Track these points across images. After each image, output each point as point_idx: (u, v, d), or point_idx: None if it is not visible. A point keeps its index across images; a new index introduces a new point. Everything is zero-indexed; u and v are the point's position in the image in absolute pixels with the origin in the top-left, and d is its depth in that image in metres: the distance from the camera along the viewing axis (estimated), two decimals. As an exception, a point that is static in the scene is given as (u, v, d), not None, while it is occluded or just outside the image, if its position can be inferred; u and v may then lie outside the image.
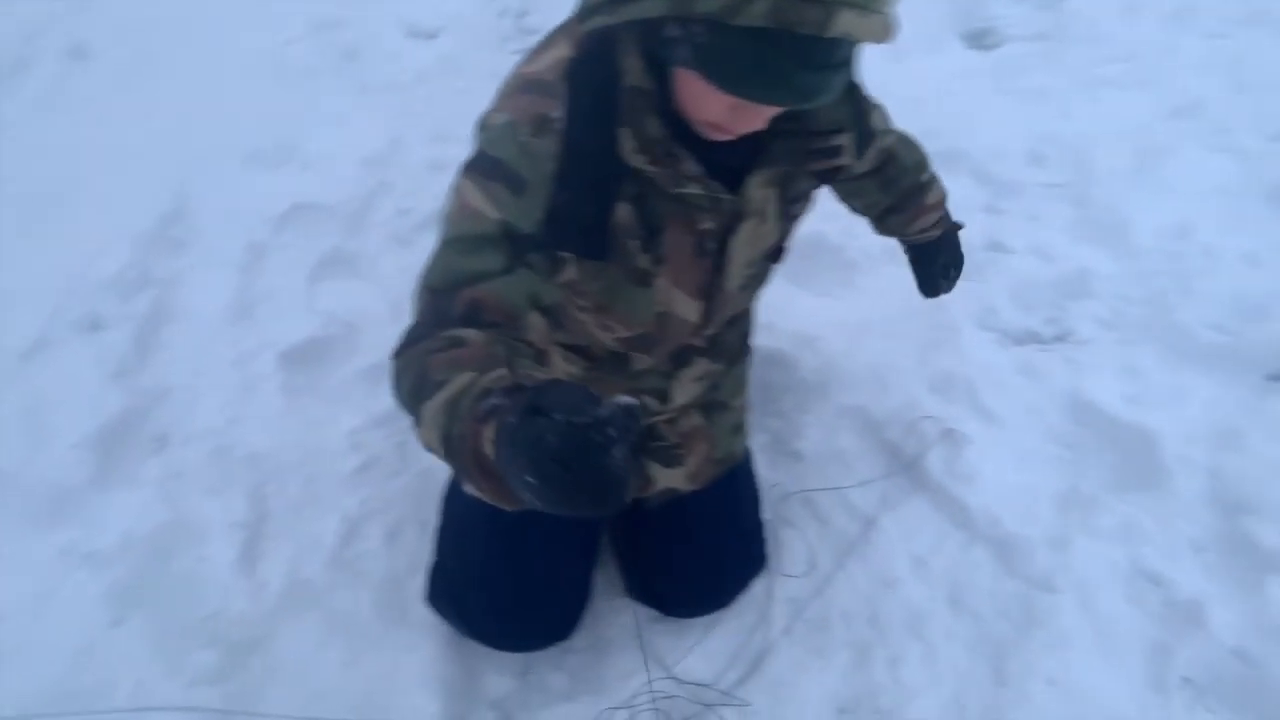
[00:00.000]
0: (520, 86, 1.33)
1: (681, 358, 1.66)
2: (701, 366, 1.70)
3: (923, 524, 2.08)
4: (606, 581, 1.98)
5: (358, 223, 2.55)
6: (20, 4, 3.24)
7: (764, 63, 1.11)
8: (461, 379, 1.09)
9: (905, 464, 2.14)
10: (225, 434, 2.15)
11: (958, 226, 2.06)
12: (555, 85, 1.29)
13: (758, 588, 1.96)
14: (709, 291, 1.52)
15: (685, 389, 1.73)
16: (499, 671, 1.86)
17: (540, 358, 1.32)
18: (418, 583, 1.85)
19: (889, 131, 1.74)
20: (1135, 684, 1.86)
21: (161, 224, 2.48)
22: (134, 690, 1.76)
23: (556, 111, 1.28)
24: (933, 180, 1.94)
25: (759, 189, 1.43)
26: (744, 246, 1.49)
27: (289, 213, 2.56)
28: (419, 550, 1.94)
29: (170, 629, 1.84)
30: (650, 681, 1.81)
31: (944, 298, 2.49)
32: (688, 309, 1.52)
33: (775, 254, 1.62)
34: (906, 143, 1.86)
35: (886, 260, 2.60)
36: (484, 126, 1.33)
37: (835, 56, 1.12)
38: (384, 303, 2.40)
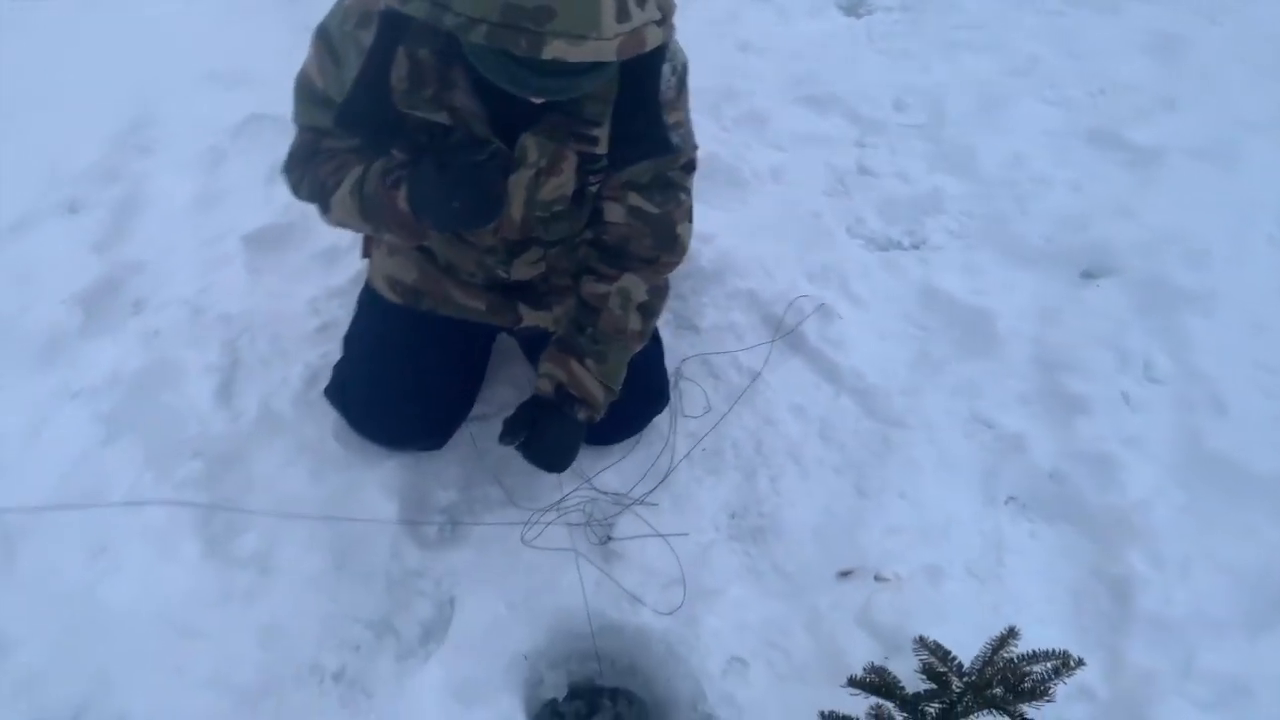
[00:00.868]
0: None
1: (514, 248, 1.96)
2: (535, 254, 1.99)
3: (800, 379, 2.47)
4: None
5: (308, 133, 2.85)
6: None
7: (504, 65, 1.40)
8: (354, 171, 1.70)
9: (786, 332, 2.54)
10: (197, 300, 2.43)
11: (586, 406, 1.99)
12: None
13: (662, 423, 2.32)
14: None
15: (523, 270, 2.03)
16: (444, 486, 2.18)
17: None
18: (373, 418, 2.16)
19: (667, 201, 1.92)
20: (971, 499, 2.28)
21: (130, 129, 2.75)
22: (129, 491, 2.03)
23: (379, 7, 1.58)
24: (620, 333, 1.99)
25: (531, 146, 1.72)
26: (522, 189, 1.79)
27: (245, 122, 2.85)
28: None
29: (158, 445, 2.12)
30: (573, 490, 2.17)
31: (823, 209, 2.92)
32: None
33: (579, 205, 1.87)
34: (642, 279, 1.99)
35: (772, 180, 3.02)
36: (335, 3, 1.66)
37: (566, 67, 1.37)
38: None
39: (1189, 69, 3.45)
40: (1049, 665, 1.62)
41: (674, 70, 1.74)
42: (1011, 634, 1.61)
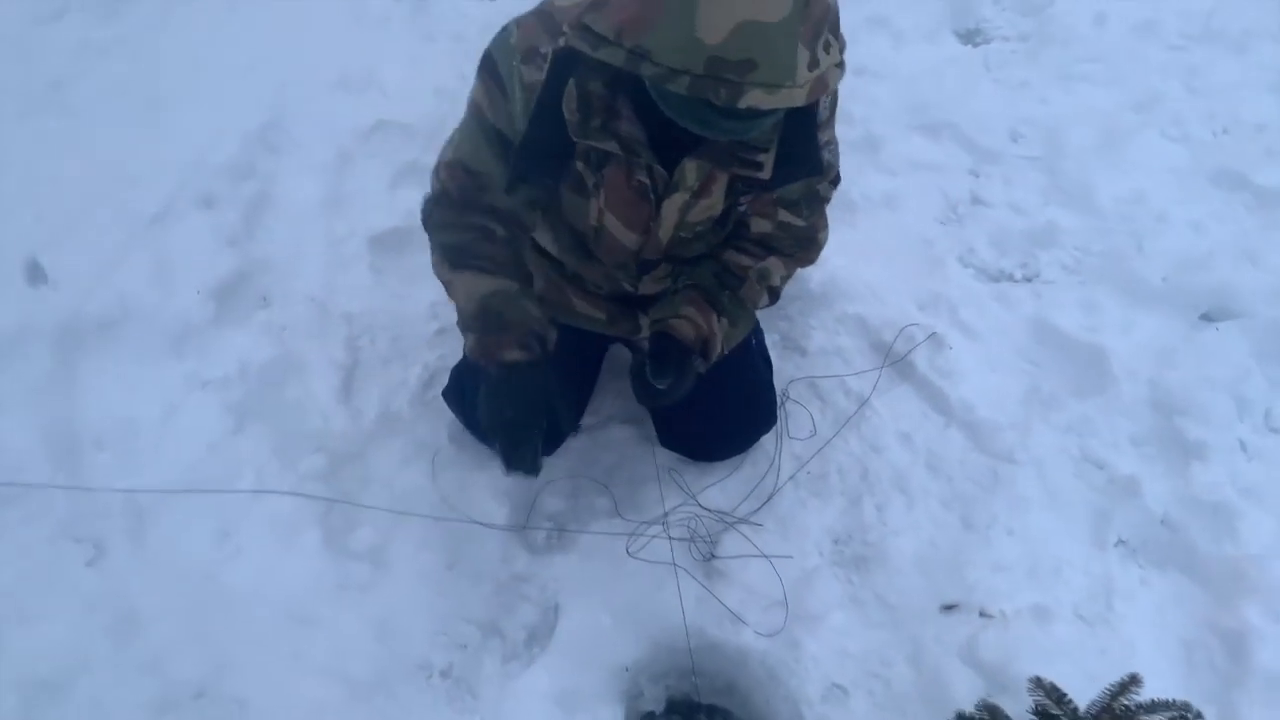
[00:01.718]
0: (538, 9, 1.68)
1: (646, 265, 1.99)
2: (665, 269, 2.03)
3: (908, 407, 2.46)
4: (642, 434, 2.34)
5: (433, 140, 2.90)
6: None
7: (695, 109, 1.42)
8: (507, 284, 1.77)
9: (896, 359, 2.53)
10: (322, 298, 2.51)
11: (705, 360, 1.97)
12: (558, 26, 1.55)
13: (768, 444, 2.33)
14: (646, 231, 1.86)
15: (651, 285, 2.06)
16: (553, 493, 2.21)
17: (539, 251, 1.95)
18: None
19: (813, 214, 1.96)
20: (1080, 540, 2.24)
21: (261, 130, 2.85)
22: (255, 479, 2.11)
23: (546, 48, 1.61)
24: (751, 292, 1.99)
25: (691, 171, 1.74)
26: (675, 212, 1.82)
27: (373, 128, 2.94)
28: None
29: (284, 437, 2.20)
30: (678, 506, 2.19)
31: (934, 237, 2.90)
32: (624, 236, 1.87)
33: (722, 224, 1.92)
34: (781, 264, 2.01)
35: (883, 205, 3.01)
36: (504, 27, 1.69)
37: (756, 112, 1.38)
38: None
39: (1319, 111, 3.35)
40: (1167, 716, 1.59)
41: (840, 79, 1.75)
42: (1134, 681, 1.58)
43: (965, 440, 2.40)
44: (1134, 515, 2.27)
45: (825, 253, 2.70)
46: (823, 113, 1.75)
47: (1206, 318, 2.71)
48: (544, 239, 2.00)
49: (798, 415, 2.42)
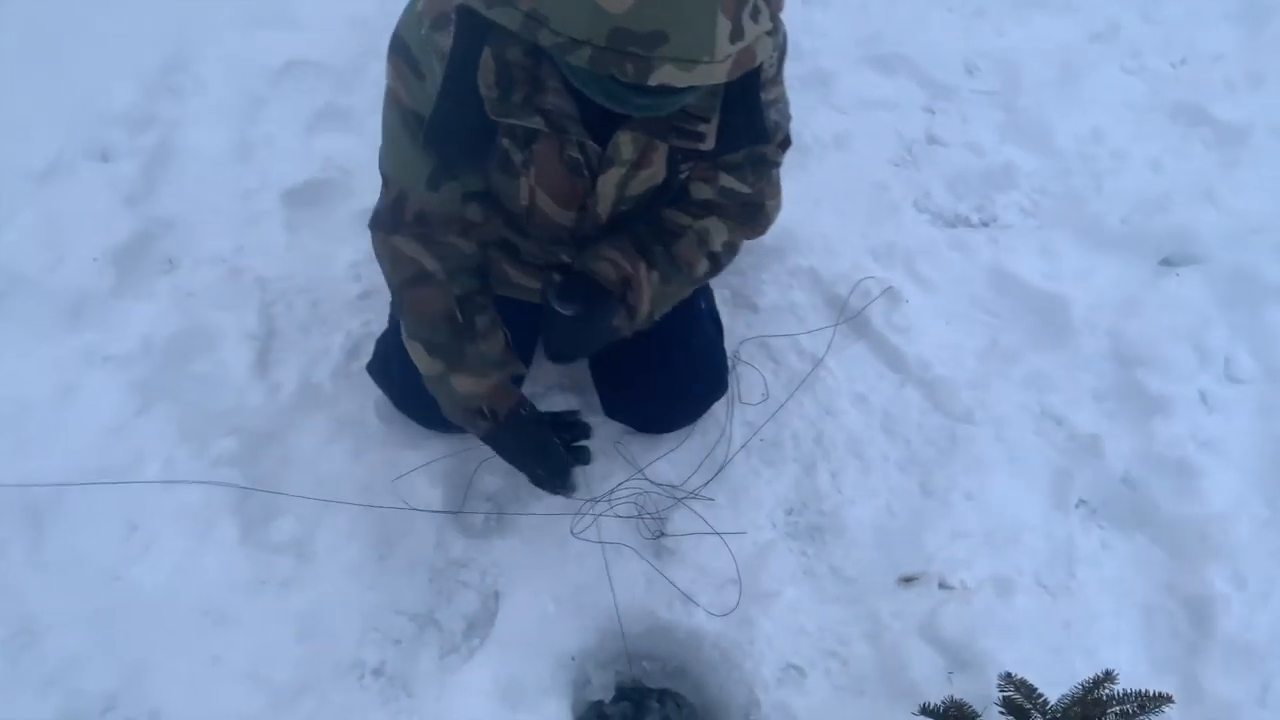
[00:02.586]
0: None
1: (582, 240, 1.82)
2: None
3: (863, 366, 2.35)
4: (587, 404, 2.20)
5: (349, 80, 2.69)
6: None
7: (602, 83, 1.27)
8: (432, 364, 1.73)
9: (850, 316, 2.41)
10: (233, 260, 2.30)
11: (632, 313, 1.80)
12: None
13: (719, 411, 2.20)
14: (582, 208, 1.71)
15: None
16: (491, 471, 2.07)
17: (484, 264, 1.80)
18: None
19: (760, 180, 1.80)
20: (1040, 502, 2.17)
21: (163, 71, 2.59)
22: (163, 467, 1.94)
23: (453, 5, 1.42)
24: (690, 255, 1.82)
25: (626, 144, 1.59)
26: (613, 187, 1.67)
27: (285, 68, 2.69)
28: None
29: (193, 418, 2.03)
30: (625, 481, 2.07)
31: (889, 180, 2.76)
32: (558, 214, 1.72)
33: (664, 193, 1.76)
34: (724, 226, 1.84)
35: (834, 147, 2.86)
36: (406, 8, 1.51)
37: (669, 89, 1.24)
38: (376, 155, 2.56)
39: (1276, 40, 3.24)
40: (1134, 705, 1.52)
41: (776, 46, 1.58)
42: (1108, 677, 1.50)
43: (923, 400, 2.30)
44: (1095, 475, 2.21)
45: (776, 200, 2.59)
46: (767, 70, 1.59)
47: (1167, 262, 2.63)
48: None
49: (749, 378, 2.29)
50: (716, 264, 1.89)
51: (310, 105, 2.62)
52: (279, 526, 1.92)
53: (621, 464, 2.09)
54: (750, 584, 1.96)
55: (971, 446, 2.22)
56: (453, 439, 2.06)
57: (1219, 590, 2.00)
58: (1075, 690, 1.54)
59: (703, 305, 2.10)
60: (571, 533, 1.99)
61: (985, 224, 2.73)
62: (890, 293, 2.44)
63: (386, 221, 1.68)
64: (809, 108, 2.93)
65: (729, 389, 2.19)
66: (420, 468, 2.02)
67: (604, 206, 1.69)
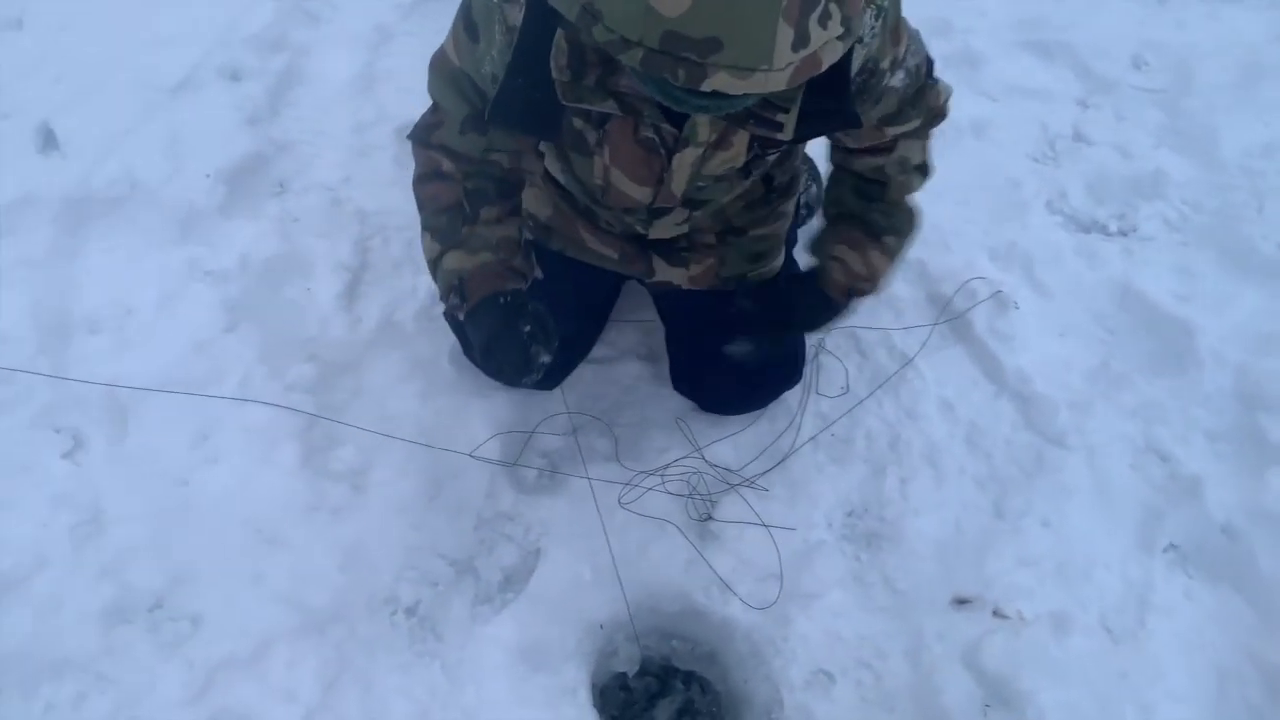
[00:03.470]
0: None
1: (657, 211, 1.78)
2: (680, 214, 1.81)
3: (956, 372, 2.23)
4: (657, 374, 2.17)
5: (480, 21, 2.70)
6: None
7: (658, 83, 1.19)
8: (430, 246, 1.73)
9: (951, 316, 2.29)
10: (339, 189, 2.37)
11: (844, 302, 1.84)
12: None
13: (792, 400, 2.14)
14: (659, 183, 1.65)
15: (664, 229, 1.85)
16: (552, 429, 2.08)
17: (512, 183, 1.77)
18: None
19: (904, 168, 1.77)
20: (1124, 540, 2.02)
21: (300, -4, 2.67)
22: (239, 384, 2.02)
23: None
24: (883, 242, 1.82)
25: (703, 126, 1.53)
26: (688, 166, 1.61)
27: (415, 3, 2.72)
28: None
29: (275, 341, 2.10)
30: (681, 458, 2.04)
31: (1023, 176, 2.60)
32: (633, 190, 1.67)
33: (748, 173, 1.71)
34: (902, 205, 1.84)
35: (972, 134, 2.71)
36: None
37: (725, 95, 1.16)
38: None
39: None
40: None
41: (877, 13, 1.48)
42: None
43: (1015, 415, 2.18)
44: (1191, 519, 2.04)
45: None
46: (871, 43, 1.48)
47: (1323, 298, 2.39)
48: (552, 166, 1.81)
49: (831, 369, 2.21)
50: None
51: (436, 42, 2.63)
52: (339, 455, 1.98)
53: (680, 440, 2.06)
54: (792, 582, 1.91)
55: (1059, 471, 2.09)
56: (517, 393, 2.07)
57: (1304, 664, 1.84)
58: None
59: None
60: (620, 503, 1.98)
61: (1123, 234, 2.54)
62: (999, 297, 2.30)
63: (422, 135, 1.71)
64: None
65: (805, 379, 2.12)
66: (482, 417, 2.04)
67: (679, 185, 1.65)
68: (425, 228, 1.75)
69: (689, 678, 1.96)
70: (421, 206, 1.75)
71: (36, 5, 2.62)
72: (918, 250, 2.37)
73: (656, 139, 1.56)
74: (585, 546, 1.94)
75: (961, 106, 2.72)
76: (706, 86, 1.11)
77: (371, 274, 2.25)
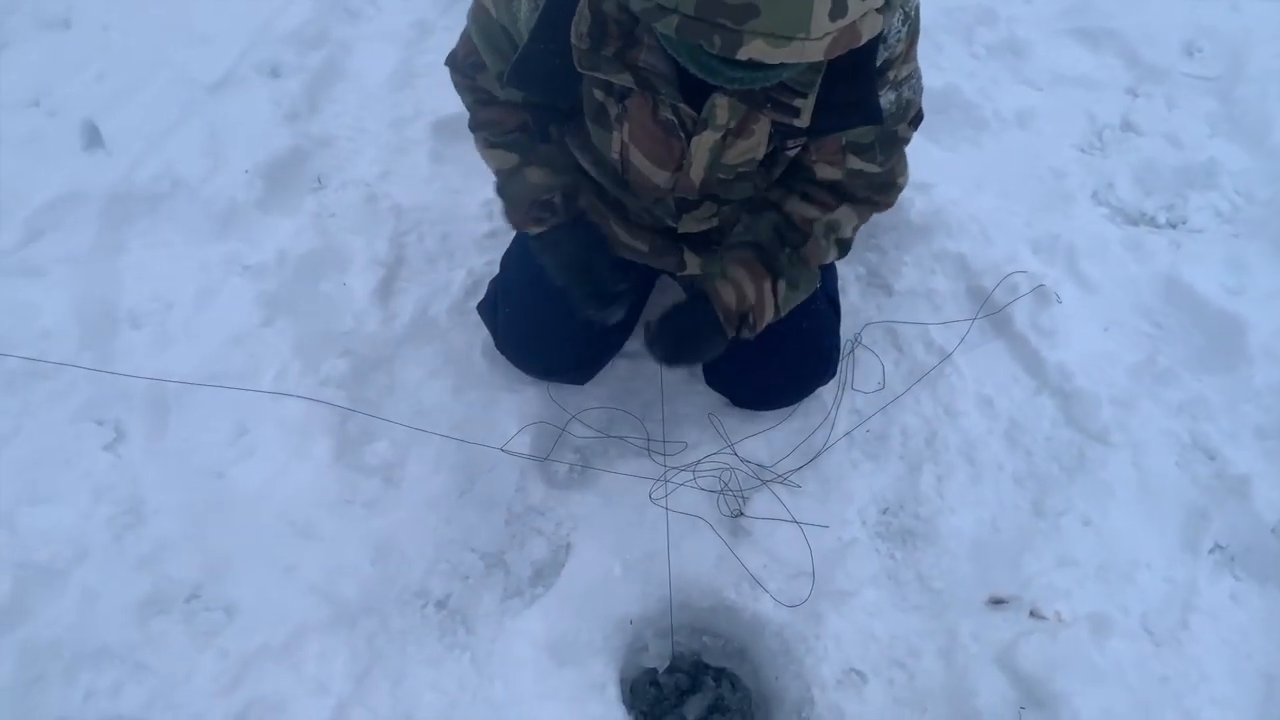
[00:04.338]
0: None
1: (686, 203, 1.76)
2: (708, 209, 1.79)
3: (996, 367, 2.20)
4: (689, 370, 2.15)
5: (519, 16, 2.71)
6: None
7: (693, 52, 1.19)
8: (512, 158, 1.72)
9: (991, 311, 2.25)
10: (375, 185, 2.39)
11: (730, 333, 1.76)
12: None
13: (827, 396, 2.11)
14: (678, 169, 1.64)
15: (692, 224, 1.84)
16: (585, 423, 2.07)
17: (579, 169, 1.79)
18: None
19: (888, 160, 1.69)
20: (1168, 540, 1.98)
21: (345, -11, 2.69)
22: (276, 378, 2.05)
23: None
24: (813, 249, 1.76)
25: (722, 109, 1.50)
26: (706, 151, 1.59)
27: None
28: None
29: (310, 336, 2.12)
30: (713, 454, 2.03)
31: (1069, 167, 2.54)
32: (652, 171, 1.66)
33: (768, 167, 1.68)
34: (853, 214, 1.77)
35: (1016, 124, 2.65)
36: None
37: (760, 64, 1.15)
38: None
39: None
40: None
41: (905, 18, 1.46)
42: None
43: (1056, 412, 2.14)
44: (1239, 519, 2.00)
45: (933, 178, 2.44)
46: (894, 46, 1.46)
47: (1375, 295, 2.31)
48: (582, 158, 1.80)
49: (867, 364, 2.19)
50: (846, 248, 1.82)
51: (474, 39, 2.66)
52: (373, 449, 1.99)
53: (712, 435, 2.05)
54: (824, 579, 1.89)
55: (1101, 469, 2.05)
56: (549, 387, 2.07)
57: (1356, 671, 1.78)
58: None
59: (818, 286, 2.00)
60: (650, 498, 1.97)
61: (1172, 225, 2.48)
62: (1040, 291, 2.25)
63: (461, 66, 1.72)
64: (993, 78, 2.73)
65: (840, 374, 2.09)
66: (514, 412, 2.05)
67: (697, 170, 1.64)
68: (492, 145, 1.75)
69: (719, 674, 1.95)
70: (482, 126, 1.75)
71: (83, 4, 2.68)
72: (960, 243, 2.36)
73: (675, 121, 1.55)
74: (615, 542, 1.94)
75: (1005, 97, 2.72)
76: (742, 54, 1.10)
77: (407, 269, 2.26)
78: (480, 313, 2.08)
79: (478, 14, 1.59)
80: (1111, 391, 2.14)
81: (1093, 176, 2.55)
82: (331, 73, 2.58)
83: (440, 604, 1.87)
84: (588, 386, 2.10)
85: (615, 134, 1.60)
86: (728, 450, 2.03)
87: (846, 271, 2.29)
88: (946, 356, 2.18)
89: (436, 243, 2.30)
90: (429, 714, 1.72)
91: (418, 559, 1.89)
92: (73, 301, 2.12)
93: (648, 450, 2.05)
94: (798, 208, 1.75)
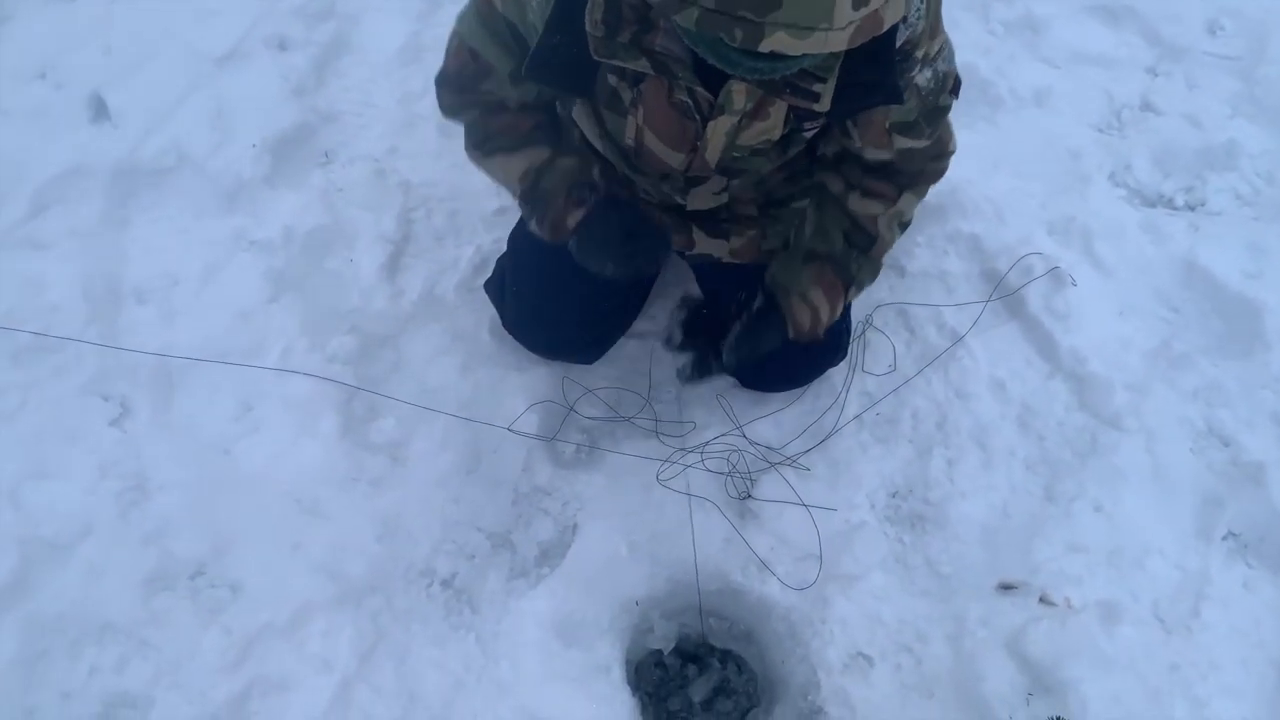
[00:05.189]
0: None
1: (693, 180, 1.74)
2: (718, 184, 1.76)
3: (1010, 350, 2.17)
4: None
5: (530, -11, 2.67)
6: None
7: (712, 44, 1.16)
8: (537, 154, 1.66)
9: (1004, 293, 2.22)
10: (383, 161, 2.37)
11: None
12: None
13: (837, 378, 2.09)
14: (692, 150, 1.61)
15: (701, 200, 1.81)
16: (592, 404, 2.06)
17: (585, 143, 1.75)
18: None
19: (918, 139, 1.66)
20: (1180, 527, 1.96)
21: (350, -38, 2.66)
22: (282, 355, 2.04)
23: None
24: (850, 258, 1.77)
25: (739, 93, 1.48)
26: (722, 135, 1.56)
27: (466, -30, 2.70)
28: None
29: (317, 313, 2.11)
30: (720, 436, 2.01)
31: (1086, 147, 2.50)
32: (666, 154, 1.63)
33: (784, 147, 1.65)
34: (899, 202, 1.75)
35: (1033, 103, 2.61)
36: None
37: (781, 56, 1.13)
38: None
39: None
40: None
41: (925, 5, 1.44)
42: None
43: (1069, 396, 2.11)
44: (1253, 506, 1.97)
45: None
46: (916, 25, 1.43)
47: (1397, 279, 2.27)
48: (587, 130, 1.77)
49: (879, 346, 2.16)
50: (904, 229, 1.83)
51: (485, 10, 2.63)
52: (379, 427, 1.98)
53: (721, 417, 2.03)
54: (832, 563, 1.88)
55: (1114, 454, 2.02)
56: (557, 366, 2.06)
57: (1370, 661, 1.76)
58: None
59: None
60: (658, 479, 1.96)
61: (1191, 208, 2.44)
62: (1055, 273, 2.22)
63: (455, 83, 1.67)
64: (1010, 56, 2.69)
65: (850, 356, 2.07)
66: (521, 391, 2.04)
67: (712, 153, 1.61)
68: (518, 148, 1.69)
69: (725, 656, 1.94)
70: (493, 137, 1.70)
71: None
72: (973, 224, 2.32)
73: (691, 103, 1.52)
74: (622, 523, 1.93)
75: (1022, 75, 2.67)
76: (764, 47, 1.09)
77: (414, 246, 2.24)
78: (488, 291, 2.06)
79: (480, 11, 1.54)
80: (1126, 376, 2.11)
81: (1110, 157, 2.51)
82: (340, 46, 2.55)
83: (446, 583, 1.86)
84: (596, 366, 2.08)
85: (630, 118, 1.58)
86: (736, 432, 2.01)
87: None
88: (959, 339, 2.15)
89: (444, 220, 2.28)
90: (433, 693, 1.72)
91: (423, 538, 1.89)
92: (79, 276, 2.10)
93: (655, 431, 2.03)
94: (861, 206, 1.74)
